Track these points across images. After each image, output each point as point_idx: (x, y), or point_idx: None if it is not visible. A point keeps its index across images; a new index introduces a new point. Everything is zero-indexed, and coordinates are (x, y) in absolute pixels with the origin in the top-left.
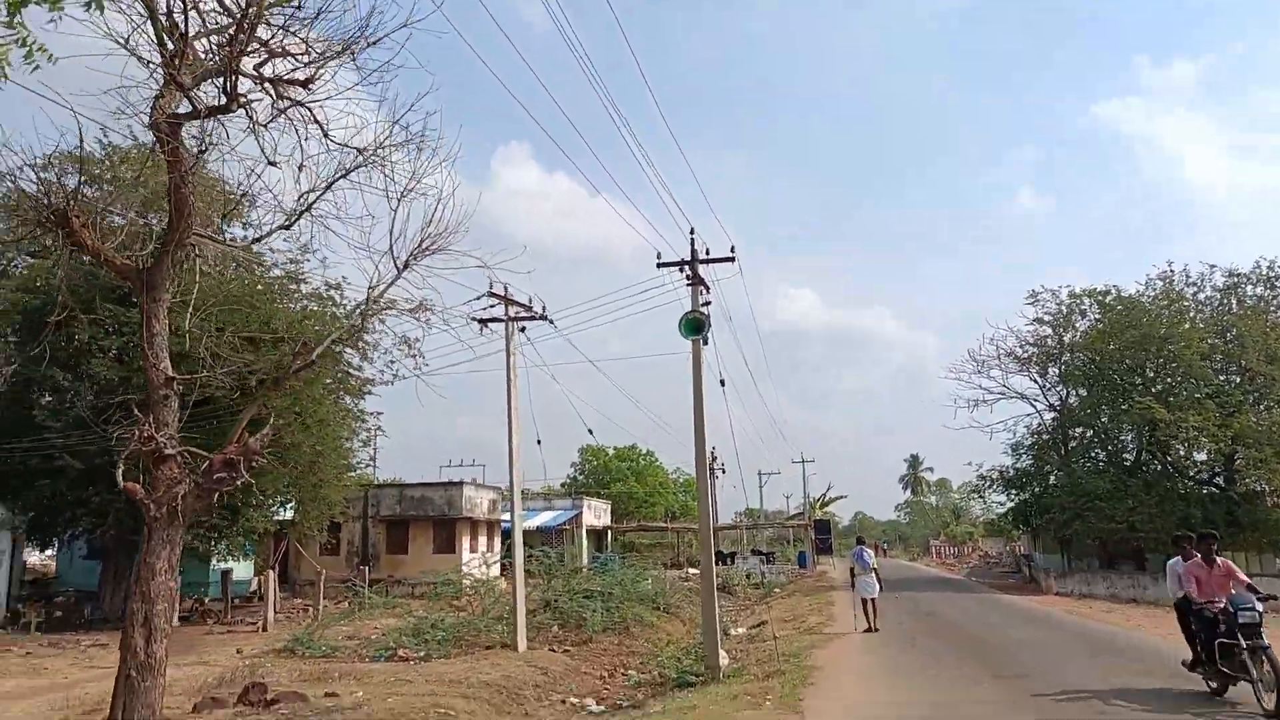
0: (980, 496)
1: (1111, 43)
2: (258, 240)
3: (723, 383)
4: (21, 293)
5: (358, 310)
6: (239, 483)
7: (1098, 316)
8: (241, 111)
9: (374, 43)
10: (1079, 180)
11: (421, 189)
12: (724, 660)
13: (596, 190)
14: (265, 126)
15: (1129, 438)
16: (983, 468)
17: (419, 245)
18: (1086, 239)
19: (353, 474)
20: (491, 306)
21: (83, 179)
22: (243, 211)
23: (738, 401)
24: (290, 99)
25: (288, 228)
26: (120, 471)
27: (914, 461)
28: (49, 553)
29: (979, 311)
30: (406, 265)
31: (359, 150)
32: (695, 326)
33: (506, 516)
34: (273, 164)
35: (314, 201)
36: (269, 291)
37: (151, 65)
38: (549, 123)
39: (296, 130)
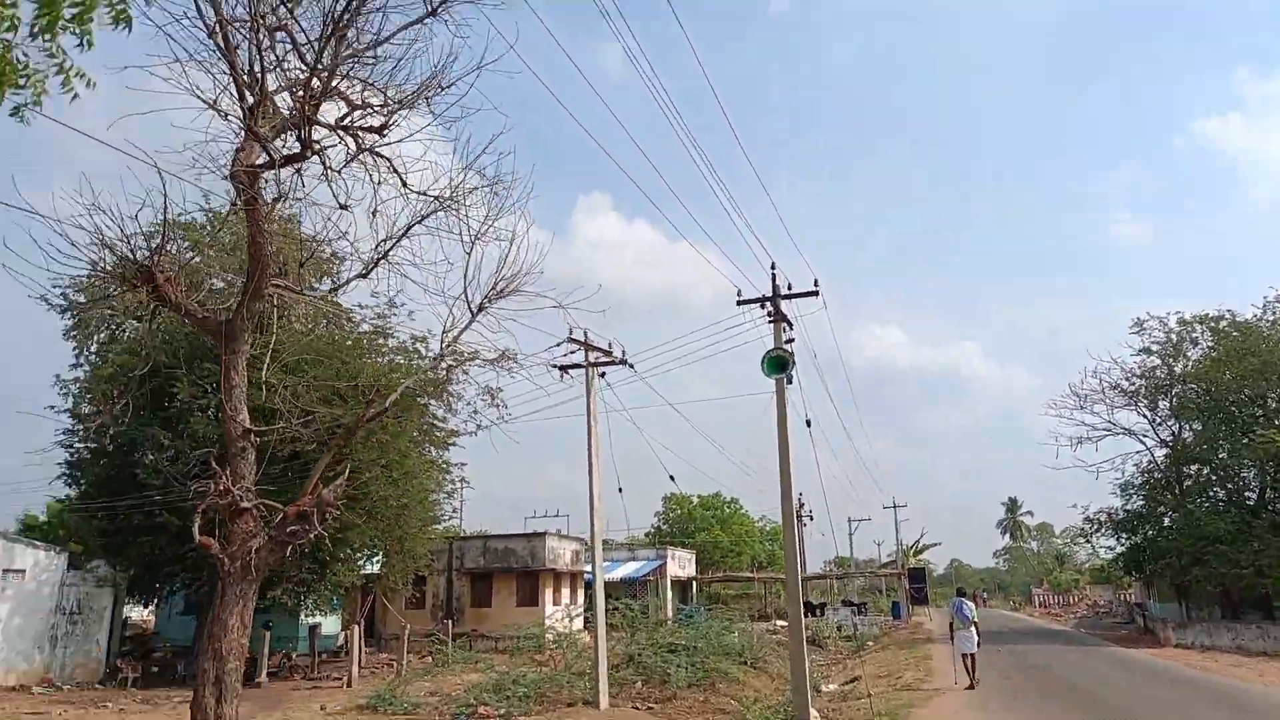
0: (1087, 541)
1: (1211, 54)
2: (336, 289)
3: (809, 423)
4: (129, 355)
5: (436, 357)
6: (312, 535)
7: (1211, 344)
8: (319, 162)
9: (446, 87)
10: (1180, 202)
11: (495, 233)
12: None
13: (680, 233)
14: (339, 172)
15: (1251, 474)
16: (1089, 510)
17: (493, 287)
18: (1188, 266)
19: (438, 526)
20: (571, 353)
21: (166, 234)
22: (325, 263)
23: (824, 444)
24: (364, 147)
25: (365, 275)
26: (196, 526)
27: (1012, 505)
28: (149, 609)
29: (1074, 344)
30: (481, 308)
31: (435, 197)
32: (779, 364)
33: (589, 568)
34: (344, 207)
35: (390, 249)
36: (356, 346)
37: (230, 118)
38: (627, 171)
39: (371, 176)
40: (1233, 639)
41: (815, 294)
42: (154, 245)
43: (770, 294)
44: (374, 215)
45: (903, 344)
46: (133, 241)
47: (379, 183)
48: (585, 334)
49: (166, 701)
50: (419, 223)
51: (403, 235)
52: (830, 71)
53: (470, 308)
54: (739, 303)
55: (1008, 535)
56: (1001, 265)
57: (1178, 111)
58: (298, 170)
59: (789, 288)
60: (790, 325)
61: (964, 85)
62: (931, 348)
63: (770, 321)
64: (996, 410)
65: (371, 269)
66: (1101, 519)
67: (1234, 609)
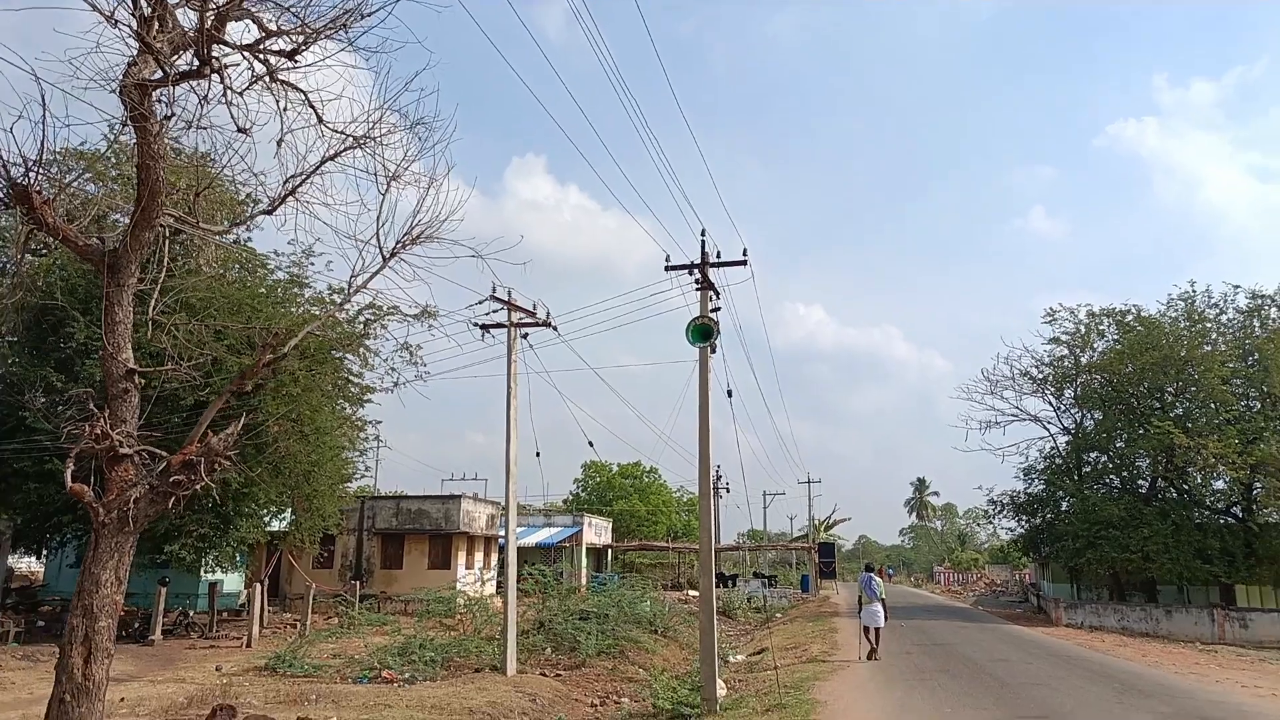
0: (989, 521)
1: (1128, 60)
2: (236, 225)
3: (730, 394)
4: (23, 290)
5: (342, 300)
6: (199, 486)
7: (1117, 337)
8: (223, 87)
9: (366, 15)
10: (1093, 201)
11: (414, 176)
12: (721, 691)
13: (615, 196)
14: (240, 95)
15: (1145, 464)
16: (993, 492)
17: (408, 232)
18: (1100, 262)
19: (349, 485)
20: (493, 311)
21: (44, 149)
22: (234, 206)
23: (745, 418)
24: (273, 70)
25: (271, 211)
26: (68, 472)
27: (920, 485)
28: (38, 560)
29: (987, 331)
30: (394, 254)
31: (351, 136)
32: (703, 333)
33: (505, 532)
34: (244, 131)
35: (299, 184)
36: (270, 295)
37: (122, 27)
38: (560, 135)
39: (277, 102)
40: (1119, 620)
41: (744, 263)
42: (30, 160)
43: (699, 261)
44: (280, 145)
45: (826, 324)
46: (6, 158)
47: (284, 108)
48: (509, 293)
49: (50, 659)
50: (331, 159)
51: (314, 171)
52: (766, 46)
53: (382, 252)
54: (667, 268)
55: (914, 514)
56: (925, 252)
57: (1098, 113)
58: (203, 99)
59: (718, 256)
60: (717, 294)
61: (900, 71)
62: (853, 328)
63: (698, 289)
64: (912, 393)
65: (278, 205)
66: (1004, 501)
67: (1121, 591)
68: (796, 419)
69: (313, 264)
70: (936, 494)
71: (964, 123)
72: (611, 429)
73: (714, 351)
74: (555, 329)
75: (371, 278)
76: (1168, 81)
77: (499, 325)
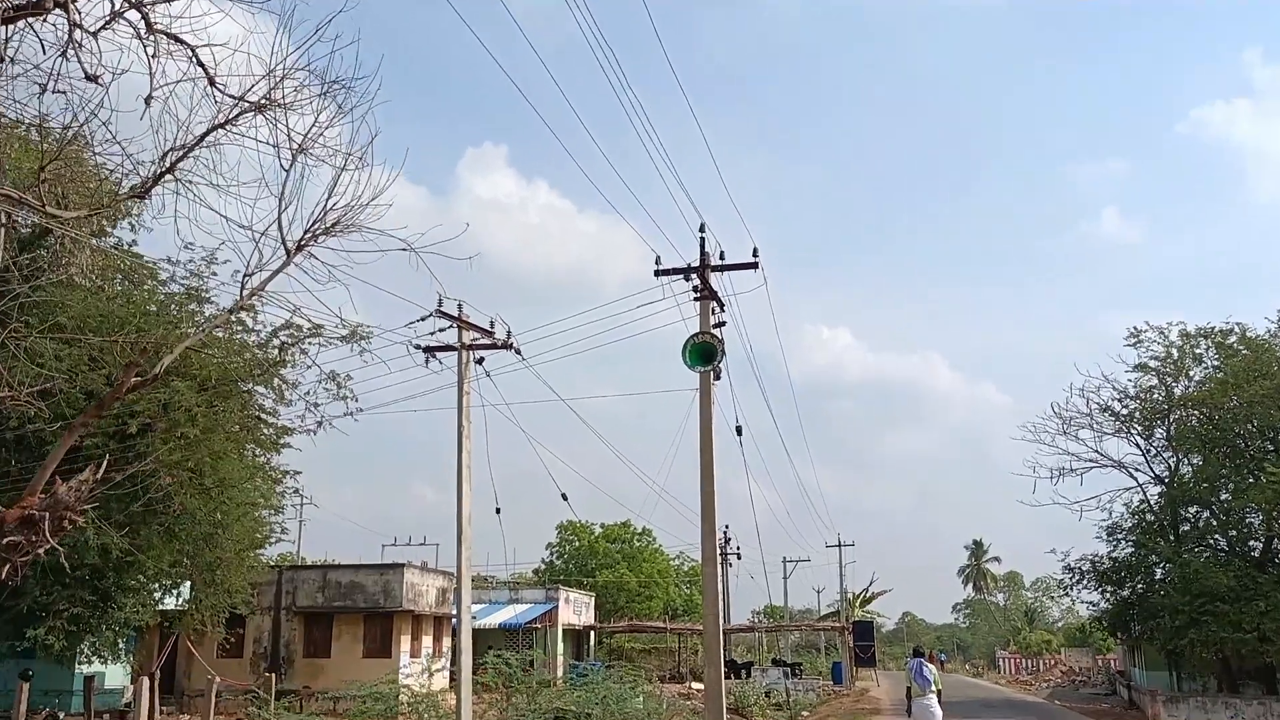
0: (1066, 594)
1: (1214, 34)
2: (96, 212)
3: (740, 430)
4: None
5: (231, 307)
6: (41, 551)
7: (1217, 363)
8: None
9: None
10: (1174, 198)
11: (328, 150)
12: None
13: (595, 186)
14: (94, 35)
15: (1258, 520)
16: (1069, 557)
17: (318, 219)
18: (1186, 272)
19: (263, 551)
20: (441, 330)
21: None
22: (103, 193)
23: (760, 467)
24: (144, 11)
25: (144, 194)
26: None
27: (977, 549)
28: None
29: (1053, 358)
30: (300, 246)
31: (246, 99)
32: (704, 353)
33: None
34: (93, 78)
35: (181, 159)
36: (163, 313)
37: None
38: (525, 121)
39: (146, 49)
40: (1231, 717)
41: (754, 266)
42: None
43: (698, 263)
44: (148, 102)
45: (853, 349)
46: None
47: (154, 55)
48: (459, 307)
49: None
50: (222, 126)
51: (199, 142)
52: (775, 23)
53: (286, 245)
54: (658, 273)
55: (970, 585)
56: (971, 264)
57: (1179, 95)
58: (63, 52)
59: (721, 258)
60: (721, 306)
61: (934, 42)
62: (889, 355)
63: (696, 298)
64: (962, 434)
65: (152, 185)
66: (1083, 568)
67: (1232, 680)
68: (822, 467)
69: (215, 274)
70: (997, 560)
71: (1014, 106)
72: (592, 480)
73: (718, 378)
74: (518, 352)
75: (272, 277)
76: (1261, 57)
77: (447, 348)
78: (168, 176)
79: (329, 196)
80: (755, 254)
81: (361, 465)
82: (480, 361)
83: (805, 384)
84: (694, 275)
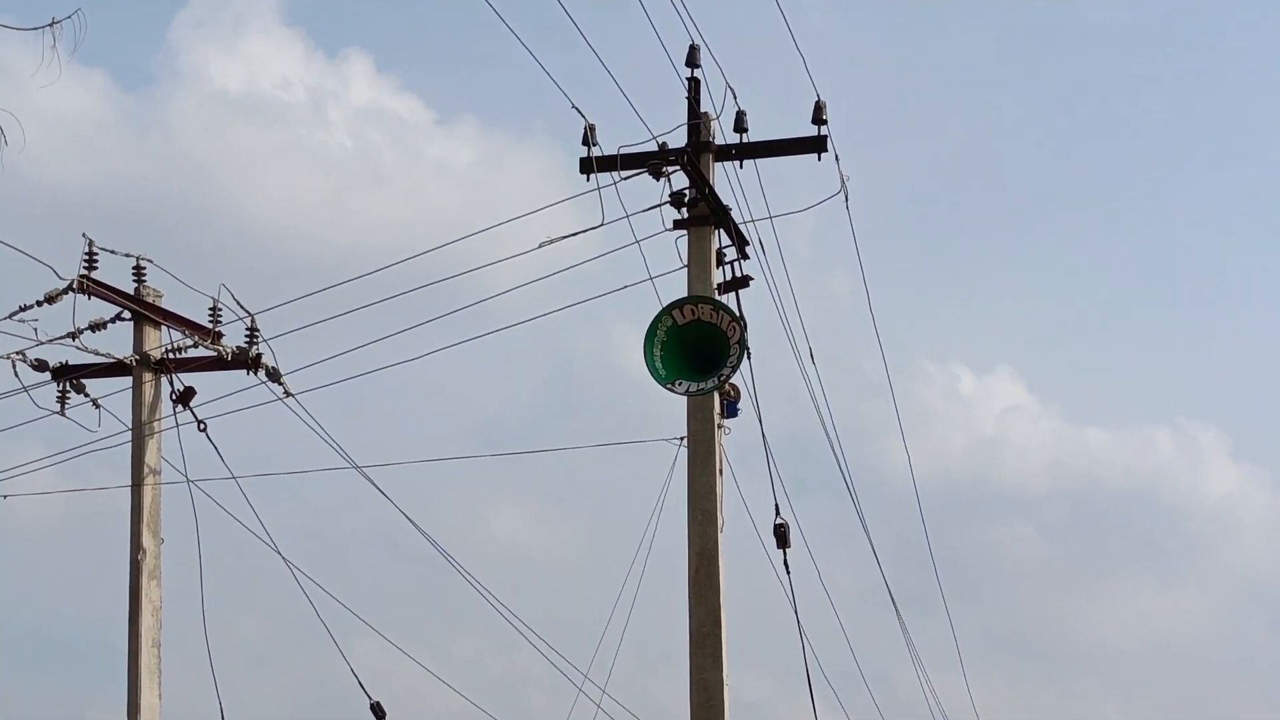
0: None
1: None
2: None
3: (782, 534)
4: None
5: None
6: None
7: None
8: None
9: None
10: None
11: None
12: None
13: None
14: None
15: None
16: None
17: None
18: None
19: None
20: (98, 328)
21: None
22: None
23: (827, 627)
24: None
25: None
26: None
27: None
28: None
29: None
30: None
31: None
32: (703, 351)
33: None
34: None
35: None
36: None
37: None
38: None
39: None
40: None
41: (818, 147)
42: None
43: (685, 141)
44: None
45: (1032, 412)
46: None
47: None
48: (137, 263)
49: None
50: None
51: None
52: None
53: None
54: (587, 166)
55: None
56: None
57: None
58: None
59: (739, 129)
60: (742, 242)
61: None
62: (1109, 430)
63: (682, 224)
64: (1269, 581)
65: None
66: None
67: None
68: (976, 661)
69: None
70: None
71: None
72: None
73: (733, 415)
74: (277, 379)
75: None
76: None
77: (93, 369)
78: None
79: None
80: (821, 110)
81: None
82: (185, 400)
83: (934, 477)
84: (674, 164)
